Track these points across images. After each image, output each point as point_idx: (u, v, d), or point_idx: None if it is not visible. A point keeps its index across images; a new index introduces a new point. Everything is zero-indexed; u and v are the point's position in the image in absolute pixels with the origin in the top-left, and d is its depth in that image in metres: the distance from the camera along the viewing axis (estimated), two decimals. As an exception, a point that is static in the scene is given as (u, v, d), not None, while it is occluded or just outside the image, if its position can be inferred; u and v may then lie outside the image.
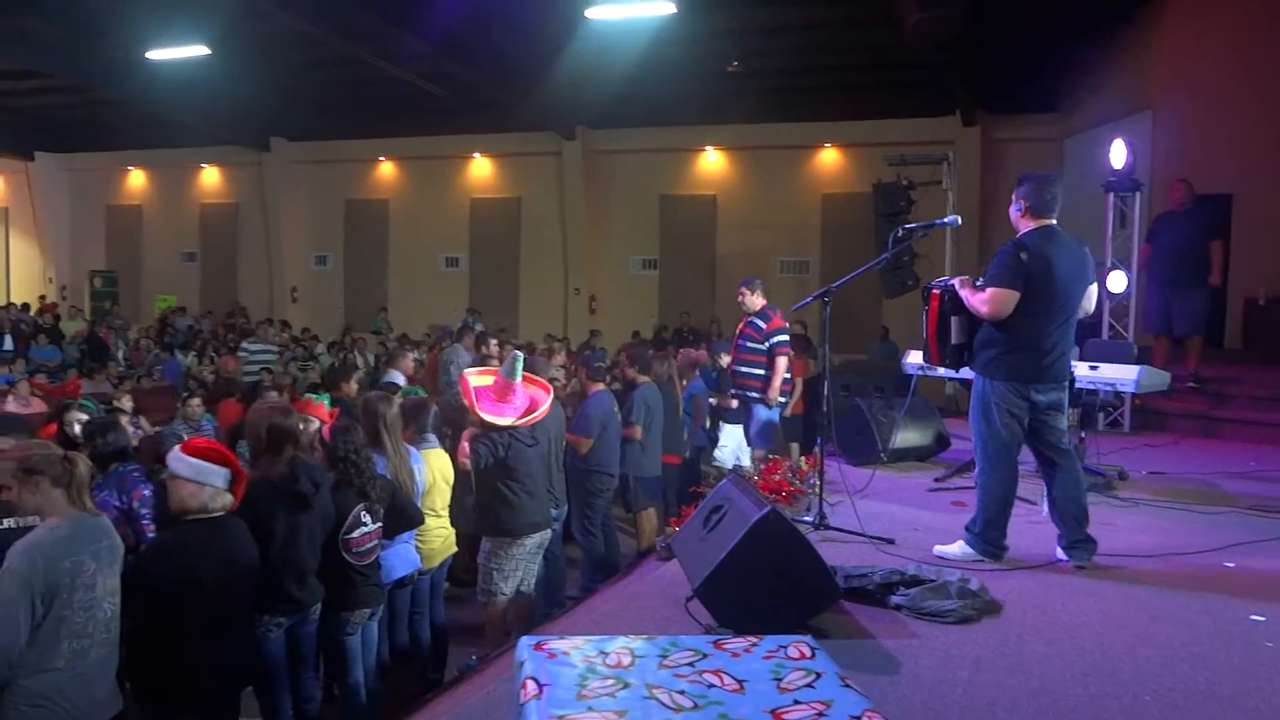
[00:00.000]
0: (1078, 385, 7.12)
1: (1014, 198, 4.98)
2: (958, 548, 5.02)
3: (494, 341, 10.67)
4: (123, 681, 3.78)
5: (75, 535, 3.42)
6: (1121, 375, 6.90)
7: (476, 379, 5.73)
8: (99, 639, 3.47)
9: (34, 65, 16.42)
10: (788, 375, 8.27)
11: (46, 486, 3.43)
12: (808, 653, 2.70)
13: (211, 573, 3.74)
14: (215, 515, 3.81)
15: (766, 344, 7.93)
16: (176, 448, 3.91)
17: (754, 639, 2.78)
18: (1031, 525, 5.59)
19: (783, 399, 8.28)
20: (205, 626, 3.73)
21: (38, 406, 9.85)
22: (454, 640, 6.15)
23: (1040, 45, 14.01)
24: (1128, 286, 9.56)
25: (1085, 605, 4.39)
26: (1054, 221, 4.93)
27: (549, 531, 6.10)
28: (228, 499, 3.84)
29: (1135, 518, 6.08)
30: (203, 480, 3.76)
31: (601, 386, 7.48)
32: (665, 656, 2.63)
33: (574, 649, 2.64)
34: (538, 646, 2.66)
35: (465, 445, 5.45)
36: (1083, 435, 7.06)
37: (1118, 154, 9.46)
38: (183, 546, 3.76)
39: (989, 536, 4.95)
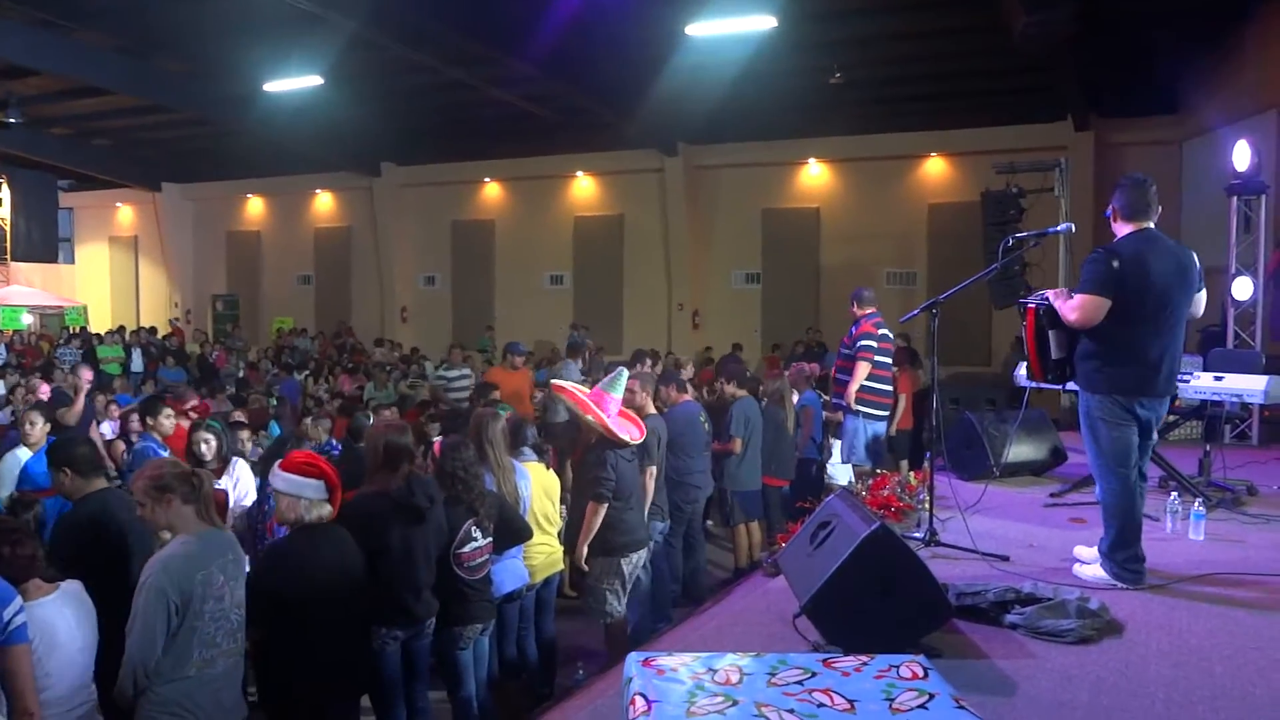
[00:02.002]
0: (1202, 397, 6.86)
1: (1112, 202, 4.83)
2: (1091, 571, 4.84)
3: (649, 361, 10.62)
4: (246, 690, 3.92)
5: (205, 549, 3.56)
6: (1249, 386, 6.61)
7: (579, 392, 5.86)
8: (226, 648, 3.61)
9: (161, 100, 17.30)
10: (889, 389, 8.08)
11: (177, 503, 3.58)
12: (920, 673, 2.65)
13: (322, 576, 3.88)
14: (315, 523, 3.95)
15: (854, 348, 7.82)
16: (277, 464, 4.08)
17: (865, 658, 2.74)
18: (1155, 543, 5.37)
19: (883, 412, 8.06)
20: (322, 630, 3.85)
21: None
22: (572, 652, 6.20)
23: (1155, 45, 13.52)
24: (1254, 293, 9.17)
25: (1213, 626, 4.21)
26: (1151, 225, 4.76)
27: (650, 547, 6.14)
28: (325, 509, 3.98)
29: (1265, 535, 5.81)
30: (297, 493, 3.92)
31: (688, 397, 7.60)
32: (774, 674, 2.61)
33: (682, 665, 2.64)
34: (646, 663, 2.67)
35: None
36: (1207, 449, 6.80)
37: (1241, 156, 9.11)
38: (293, 552, 3.93)
39: (1118, 557, 4.73)
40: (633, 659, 2.72)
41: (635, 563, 5.87)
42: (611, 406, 5.72)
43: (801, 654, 2.92)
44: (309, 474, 3.94)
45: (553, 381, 7.43)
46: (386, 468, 4.40)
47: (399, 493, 4.33)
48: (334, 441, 7.19)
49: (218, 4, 12.85)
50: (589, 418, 5.64)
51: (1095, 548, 4.89)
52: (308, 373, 16.49)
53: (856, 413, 7.79)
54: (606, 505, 5.60)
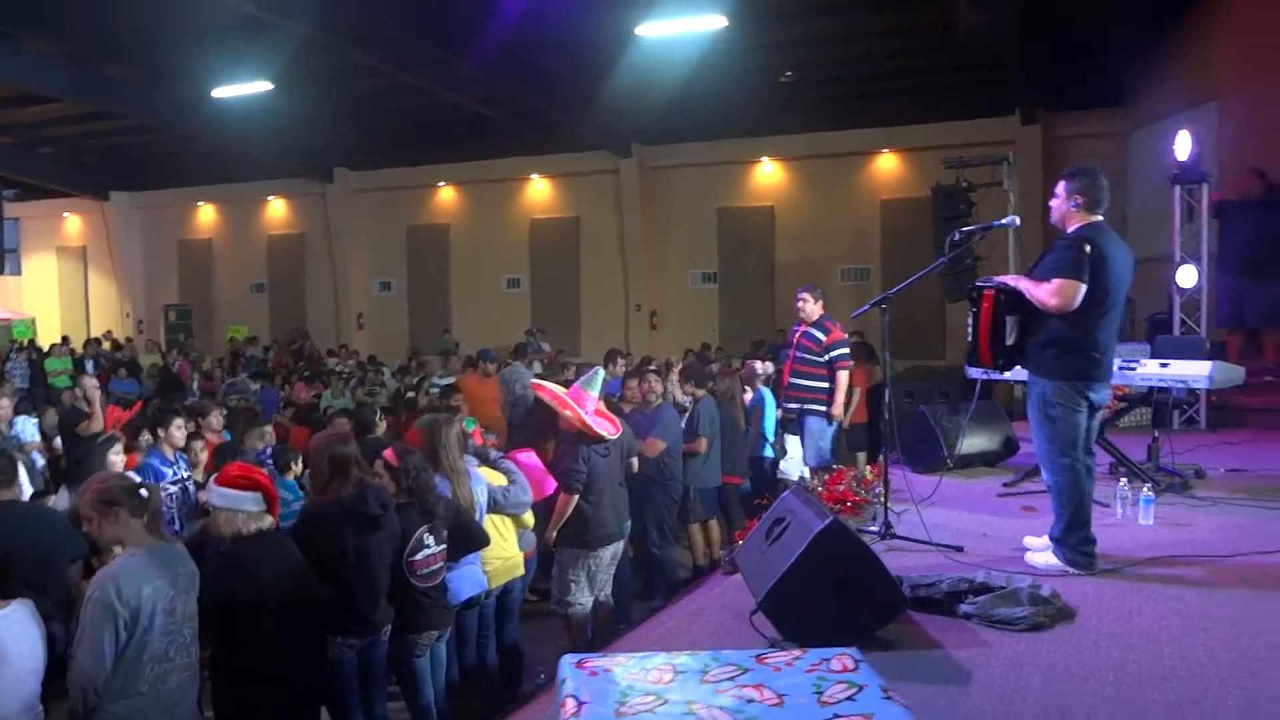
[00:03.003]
0: (1149, 384, 6.98)
1: (1064, 192, 4.87)
2: (1044, 558, 4.88)
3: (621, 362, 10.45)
4: (202, 705, 3.87)
5: (155, 563, 3.51)
6: (1194, 371, 6.72)
7: (557, 389, 6.05)
8: (180, 663, 3.57)
9: (108, 107, 17.05)
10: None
11: (125, 517, 3.53)
12: (851, 665, 2.67)
13: (268, 585, 3.85)
14: (258, 531, 3.92)
15: (825, 357, 7.70)
16: (212, 480, 4.06)
17: (799, 652, 2.76)
18: (1106, 528, 5.44)
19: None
20: (275, 639, 3.82)
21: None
22: (538, 658, 6.18)
23: (1100, 38, 13.73)
24: (1199, 280, 9.34)
25: (1162, 609, 4.29)
26: (1102, 216, 4.83)
27: (622, 542, 6.21)
28: (266, 520, 3.95)
29: (1214, 517, 5.91)
30: (235, 507, 3.89)
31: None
32: (706, 672, 2.62)
33: (616, 666, 2.65)
34: (579, 664, 2.67)
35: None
36: (1156, 435, 6.91)
37: (1183, 146, 9.29)
38: (239, 560, 3.89)
39: (1070, 541, 4.78)
40: (566, 660, 2.72)
41: (604, 558, 5.99)
42: (589, 404, 5.86)
43: (737, 651, 2.93)
44: (245, 487, 3.91)
45: (532, 381, 7.48)
46: (336, 478, 4.37)
47: (352, 501, 4.31)
48: (267, 450, 7.08)
49: (165, 10, 12.67)
50: (566, 413, 5.79)
51: (1045, 536, 4.95)
52: (260, 383, 16.28)
53: (825, 415, 7.78)
54: (577, 497, 5.73)
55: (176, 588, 3.54)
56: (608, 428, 5.85)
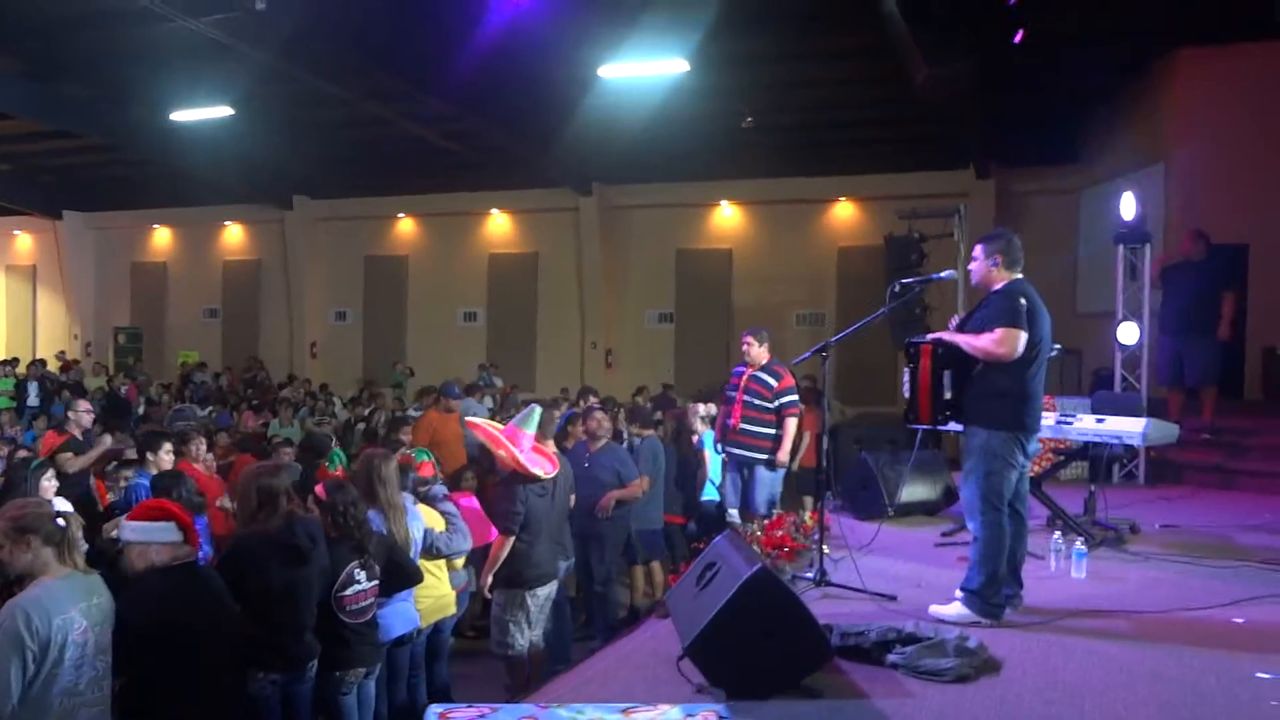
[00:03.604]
0: (1085, 438, 7.08)
1: (982, 254, 5.01)
2: (954, 609, 4.90)
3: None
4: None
5: (67, 593, 3.44)
6: (1128, 428, 6.83)
7: (491, 428, 5.95)
8: (90, 697, 3.48)
9: (64, 126, 16.82)
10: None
11: (38, 545, 3.46)
12: None
13: (187, 617, 3.77)
14: (178, 564, 3.84)
15: (775, 403, 7.58)
16: (123, 517, 4.04)
17: (666, 706, 2.76)
18: (1038, 580, 5.50)
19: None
20: (185, 676, 3.74)
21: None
22: (472, 696, 6.09)
23: (1054, 99, 14.07)
24: (1140, 337, 9.52)
25: (1086, 663, 4.33)
26: (1022, 275, 4.96)
27: (556, 582, 6.15)
28: (183, 550, 3.86)
29: (1145, 572, 6.00)
30: (148, 540, 3.82)
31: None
32: None
33: (479, 717, 2.63)
34: (443, 715, 2.66)
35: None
36: (1092, 489, 7.00)
37: (1128, 206, 9.49)
38: (154, 592, 3.80)
39: (988, 594, 4.83)
40: (431, 711, 2.70)
41: (542, 597, 5.92)
42: (525, 442, 5.78)
43: (602, 705, 2.90)
44: (158, 518, 3.85)
45: (466, 419, 7.49)
46: (263, 510, 4.31)
47: (279, 533, 4.25)
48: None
49: (126, 31, 12.57)
50: (501, 453, 5.72)
51: (952, 605, 4.94)
52: (210, 409, 16.08)
53: (773, 463, 7.66)
54: (513, 538, 5.64)
55: (89, 619, 3.46)
56: (545, 466, 5.79)
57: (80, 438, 7.97)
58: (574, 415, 8.16)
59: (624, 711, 2.70)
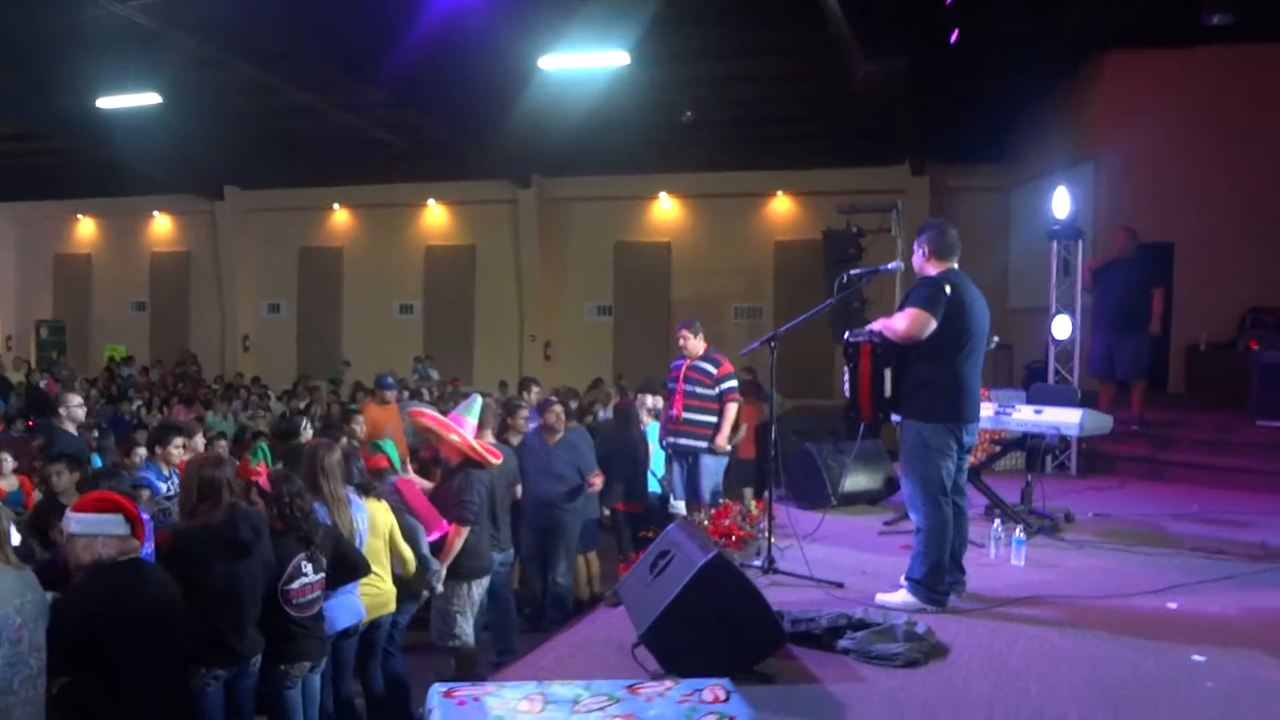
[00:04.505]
0: (1023, 429, 7.22)
1: (916, 245, 5.09)
2: (899, 597, 4.96)
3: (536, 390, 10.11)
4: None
5: (1, 589, 3.33)
6: (1065, 419, 6.98)
7: (435, 414, 6.08)
8: (24, 695, 3.37)
9: (-19, 113, 16.28)
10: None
11: (-32, 540, 3.35)
12: (723, 696, 2.68)
13: (133, 614, 3.66)
14: (123, 560, 3.74)
15: (717, 389, 7.72)
16: (69, 508, 3.91)
17: (670, 683, 2.77)
18: (979, 568, 5.60)
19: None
20: (131, 674, 3.63)
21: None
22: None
23: (986, 97, 14.32)
24: (1073, 331, 9.73)
25: (1030, 648, 4.42)
26: (956, 265, 5.02)
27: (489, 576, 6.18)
28: (131, 544, 3.77)
29: (1080, 560, 6.13)
30: (95, 532, 3.71)
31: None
32: (578, 702, 2.60)
33: (486, 695, 2.60)
34: (448, 694, 2.62)
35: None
36: (1029, 478, 7.15)
37: (1061, 203, 9.68)
38: (95, 591, 3.69)
39: (931, 583, 4.90)
40: (435, 690, 2.66)
41: (483, 587, 5.97)
42: (469, 431, 5.84)
43: (608, 681, 2.91)
44: (106, 509, 3.74)
45: (409, 408, 7.45)
46: (205, 502, 4.21)
47: (222, 526, 4.15)
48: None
49: (48, 15, 12.20)
50: (453, 437, 5.76)
51: (898, 593, 5.00)
52: (140, 403, 15.69)
53: (715, 451, 7.76)
54: (469, 528, 5.68)
55: (23, 615, 3.35)
56: (491, 454, 5.88)
57: (75, 433, 7.74)
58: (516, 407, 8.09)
59: (629, 687, 2.69)
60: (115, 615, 3.62)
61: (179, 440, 6.62)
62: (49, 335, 23.06)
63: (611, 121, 15.46)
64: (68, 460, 6.26)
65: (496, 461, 5.92)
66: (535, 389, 9.90)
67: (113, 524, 3.72)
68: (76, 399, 8.11)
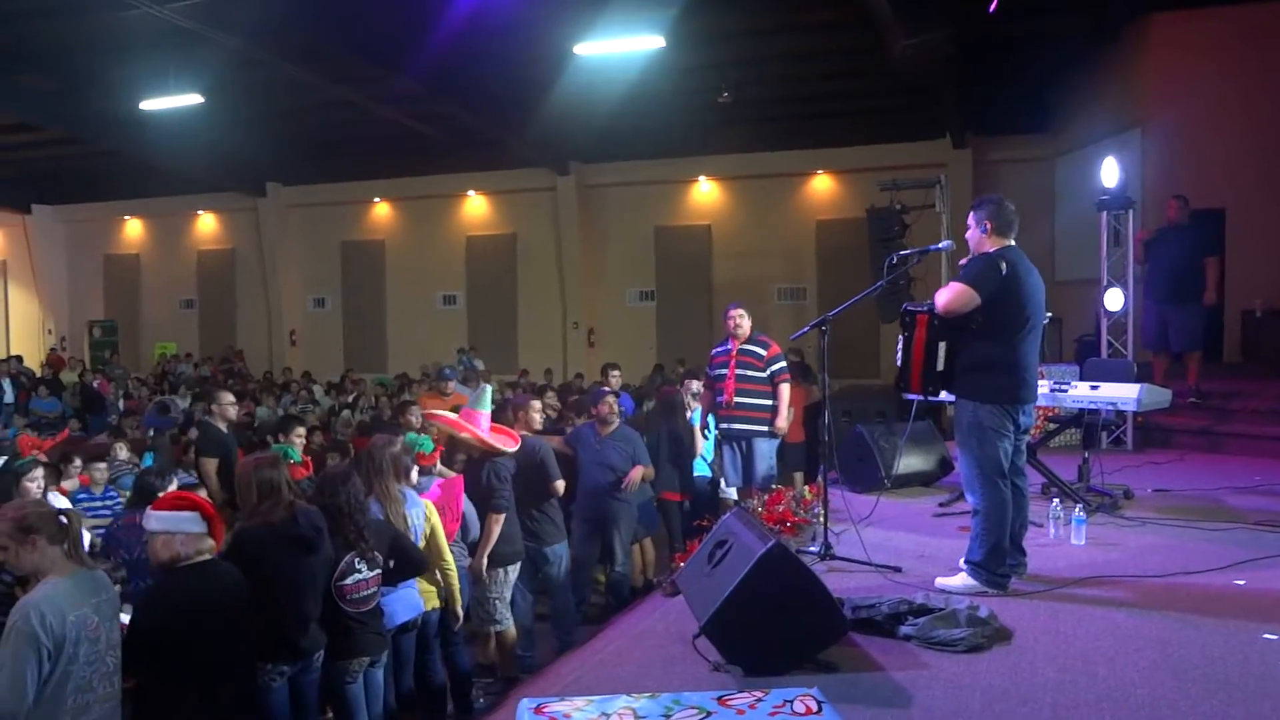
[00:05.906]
0: (1080, 406, 7.10)
1: (974, 221, 4.97)
2: (959, 580, 4.90)
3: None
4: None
5: (77, 590, 3.39)
6: (1122, 394, 6.86)
7: (450, 415, 6.22)
8: (103, 693, 3.44)
9: (29, 118, 16.55)
10: None
11: (44, 544, 3.40)
12: (814, 707, 2.65)
13: (203, 618, 3.72)
14: (200, 561, 3.80)
15: (768, 371, 7.54)
16: (149, 506, 4.00)
17: (760, 694, 2.73)
18: (1039, 548, 5.53)
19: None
20: (203, 674, 3.70)
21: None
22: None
23: (1028, 67, 14.09)
24: (1125, 303, 9.55)
25: (1096, 630, 4.35)
26: (1014, 241, 4.93)
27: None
28: (206, 543, 3.84)
29: (1143, 537, 6.03)
30: (173, 529, 3.77)
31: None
32: (669, 715, 2.58)
33: (575, 710, 2.59)
34: (539, 710, 2.61)
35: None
36: (1086, 455, 7.04)
37: (1109, 172, 9.49)
38: (170, 594, 3.76)
39: (992, 565, 4.83)
40: (524, 706, 2.66)
41: (515, 573, 6.14)
42: (483, 421, 6.00)
43: (698, 693, 2.87)
44: (183, 508, 3.81)
45: (425, 412, 7.67)
46: (265, 501, 4.25)
47: (284, 523, 4.19)
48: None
49: (90, 19, 12.34)
50: (463, 435, 5.98)
51: (958, 576, 4.94)
52: (190, 398, 15.92)
53: (770, 434, 7.60)
54: (504, 515, 5.90)
55: (100, 614, 3.42)
56: (507, 443, 6.03)
57: (226, 430, 7.88)
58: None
59: (719, 699, 2.67)
60: (189, 619, 3.68)
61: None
62: (101, 335, 23.48)
63: (648, 105, 15.41)
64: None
65: (513, 447, 6.07)
66: (615, 373, 10.00)
67: (189, 521, 3.79)
68: (229, 396, 8.25)
